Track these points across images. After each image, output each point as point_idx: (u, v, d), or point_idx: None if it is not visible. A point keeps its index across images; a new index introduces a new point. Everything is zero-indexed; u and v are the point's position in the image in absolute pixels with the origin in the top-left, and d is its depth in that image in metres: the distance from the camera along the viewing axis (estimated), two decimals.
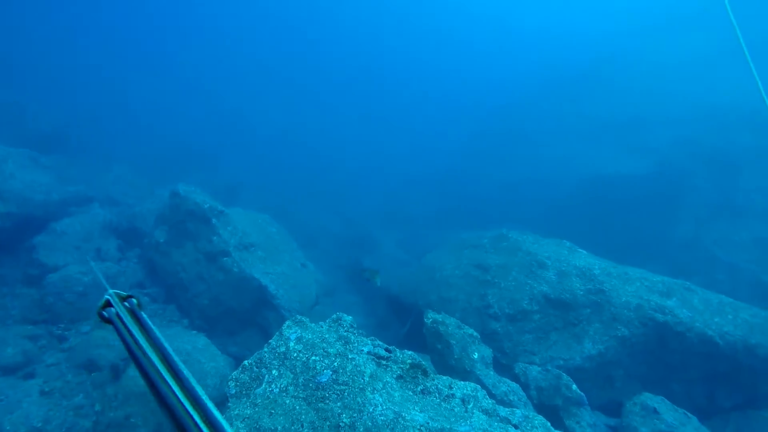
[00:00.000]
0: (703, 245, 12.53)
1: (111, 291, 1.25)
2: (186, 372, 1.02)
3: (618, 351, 7.30)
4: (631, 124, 17.27)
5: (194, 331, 8.59)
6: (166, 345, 1.09)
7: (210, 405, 0.90)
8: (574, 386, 6.38)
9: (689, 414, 6.25)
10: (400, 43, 58.07)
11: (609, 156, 16.41)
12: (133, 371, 6.58)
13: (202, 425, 0.84)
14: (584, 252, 9.04)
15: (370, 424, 3.19)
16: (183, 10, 54.89)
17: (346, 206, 19.28)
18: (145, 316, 1.20)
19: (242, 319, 9.11)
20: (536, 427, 3.49)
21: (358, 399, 3.40)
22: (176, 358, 1.06)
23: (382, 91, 48.81)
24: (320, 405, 3.37)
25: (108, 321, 1.17)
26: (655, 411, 6.02)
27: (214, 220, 9.78)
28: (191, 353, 7.14)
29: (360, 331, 4.38)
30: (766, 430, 6.89)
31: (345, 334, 4.13)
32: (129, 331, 1.10)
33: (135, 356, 1.06)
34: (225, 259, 9.30)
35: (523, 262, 8.64)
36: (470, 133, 25.01)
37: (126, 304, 1.21)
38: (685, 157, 14.58)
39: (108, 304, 1.19)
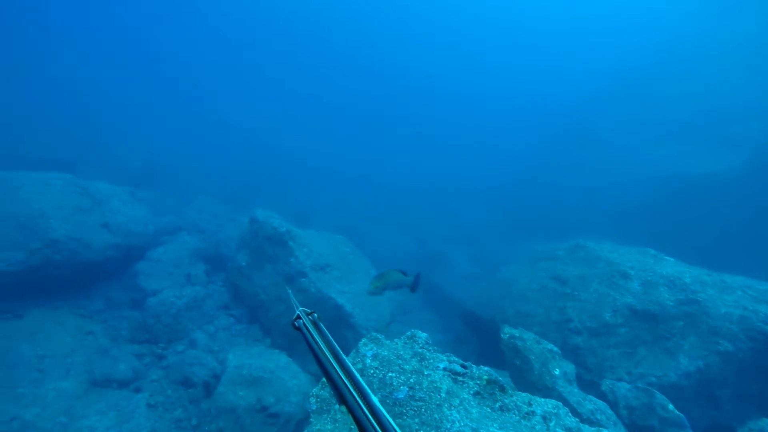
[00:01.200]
0: None
1: (300, 309, 1.63)
2: (352, 368, 1.28)
3: (721, 368, 6.66)
4: (717, 117, 15.88)
5: (276, 350, 9.02)
6: (337, 348, 1.40)
7: (369, 393, 1.17)
8: (671, 406, 5.90)
9: None
10: (458, 48, 57.80)
11: (693, 154, 15.16)
12: (223, 388, 7.05)
13: (364, 407, 1.10)
14: (671, 260, 8.41)
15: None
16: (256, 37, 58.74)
17: (415, 224, 19.38)
18: (323, 326, 1.54)
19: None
20: None
21: (435, 415, 3.42)
22: (344, 357, 1.34)
23: (443, 101, 48.75)
24: (398, 421, 3.44)
25: (298, 329, 1.56)
26: None
27: (290, 243, 10.27)
28: (274, 371, 7.50)
29: (435, 348, 4.41)
30: None
31: (420, 350, 4.18)
32: (312, 336, 1.45)
33: (316, 354, 1.38)
34: (302, 279, 9.72)
35: (603, 273, 8.20)
36: (537, 138, 24.23)
37: (310, 317, 1.58)
38: None
39: (298, 317, 1.59)
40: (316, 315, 1.60)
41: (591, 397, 5.83)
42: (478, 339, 9.42)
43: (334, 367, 1.28)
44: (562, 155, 20.34)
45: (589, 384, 6.85)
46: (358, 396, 1.15)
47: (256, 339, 9.92)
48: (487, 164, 27.88)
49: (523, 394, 3.92)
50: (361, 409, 1.10)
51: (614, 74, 23.05)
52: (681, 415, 5.88)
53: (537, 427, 3.52)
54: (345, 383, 1.21)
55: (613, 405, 6.06)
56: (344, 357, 1.33)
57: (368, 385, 3.58)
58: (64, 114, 27.73)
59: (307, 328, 1.50)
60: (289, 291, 1.99)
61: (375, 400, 1.14)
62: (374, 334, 4.36)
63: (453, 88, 51.98)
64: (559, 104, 25.37)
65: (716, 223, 12.86)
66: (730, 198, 13.12)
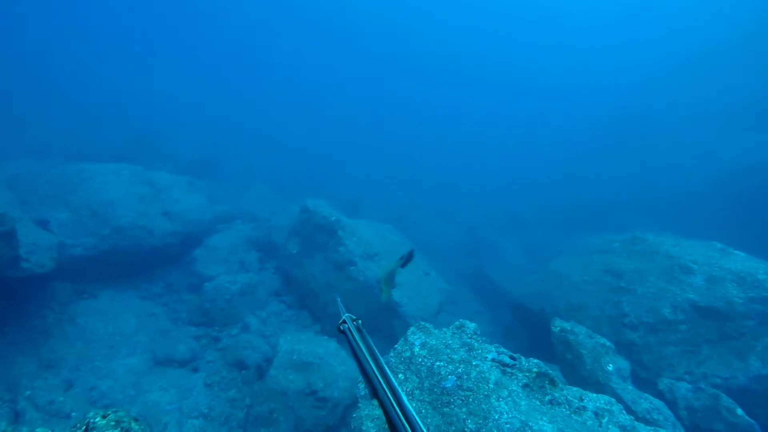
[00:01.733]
0: None
1: (346, 315, 1.78)
2: (387, 369, 1.40)
3: None
4: None
5: (325, 337, 9.24)
6: (375, 349, 1.54)
7: (401, 392, 1.27)
8: (740, 410, 5.55)
9: None
10: (504, 30, 55.72)
11: (763, 143, 13.97)
12: (274, 371, 7.32)
13: (394, 403, 1.22)
14: (741, 254, 7.85)
15: (495, 431, 3.18)
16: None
17: (465, 215, 19.17)
18: (365, 331, 1.71)
19: (369, 326, 9.37)
20: None
21: (483, 406, 3.40)
22: (381, 358, 1.47)
23: (494, 87, 47.48)
24: (445, 410, 3.45)
25: (342, 332, 1.73)
26: None
27: (340, 232, 10.45)
28: (323, 357, 7.70)
29: (484, 338, 4.37)
30: None
31: (468, 340, 4.16)
32: (354, 338, 1.60)
33: (356, 354, 1.53)
34: (351, 268, 9.88)
35: (662, 267, 7.78)
36: (594, 123, 23.11)
37: (354, 323, 1.75)
38: None
39: (343, 321, 1.75)
40: (360, 321, 1.76)
41: (647, 395, 5.59)
42: (528, 331, 9.23)
43: (371, 366, 1.40)
44: (621, 142, 19.35)
45: (645, 382, 6.57)
46: (390, 394, 1.26)
47: (306, 325, 10.22)
48: (541, 153, 27.03)
49: (575, 389, 3.83)
50: (392, 404, 1.22)
51: (682, 56, 21.56)
52: (752, 421, 5.51)
53: (588, 423, 3.43)
54: (380, 381, 1.33)
55: (672, 405, 5.78)
56: (381, 358, 1.47)
57: (416, 374, 3.66)
58: (128, 108, 29.48)
59: (350, 331, 1.66)
60: (338, 299, 2.16)
61: (405, 398, 1.25)
62: (423, 323, 4.38)
63: (503, 74, 50.56)
64: (619, 87, 24.03)
65: None
66: None
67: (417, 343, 4.03)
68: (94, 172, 11.05)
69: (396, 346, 4.22)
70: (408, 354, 3.97)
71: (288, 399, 7.03)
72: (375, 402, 3.78)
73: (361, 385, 3.86)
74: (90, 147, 18.38)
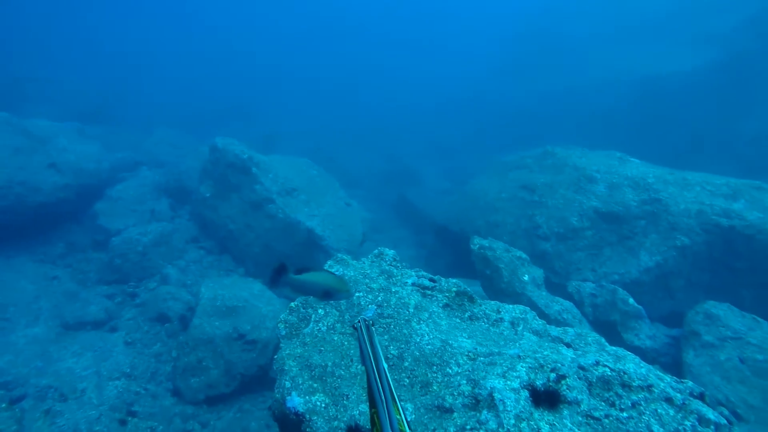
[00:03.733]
0: None
1: (361, 317, 2.18)
2: (383, 363, 1.78)
3: (678, 261, 6.97)
4: (693, 13, 15.35)
5: (250, 279, 9.00)
6: (377, 344, 1.95)
7: (384, 366, 1.75)
8: (631, 300, 6.20)
9: (759, 319, 5.94)
10: None
11: (666, 53, 14.83)
12: (197, 320, 7.05)
13: (376, 372, 1.69)
14: (637, 161, 8.46)
15: (417, 354, 3.22)
16: None
17: (385, 143, 18.97)
18: (372, 329, 2.09)
19: (295, 262, 9.39)
20: (589, 344, 3.41)
21: (404, 330, 3.42)
22: (380, 352, 1.89)
23: (404, 18, 45.84)
24: None
25: (356, 329, 2.14)
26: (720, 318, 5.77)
27: (254, 169, 9.90)
28: (248, 299, 7.50)
29: (404, 264, 4.37)
30: None
31: (388, 268, 4.12)
32: (362, 334, 2.03)
33: (363, 355, 1.89)
34: (270, 206, 9.50)
35: (570, 178, 8.23)
36: (504, 41, 23.16)
37: (366, 321, 2.15)
38: (754, 39, 12.93)
39: (359, 321, 2.15)
40: (370, 321, 2.16)
41: (558, 298, 6.05)
42: (451, 252, 9.58)
43: (369, 358, 1.81)
44: (530, 59, 19.67)
45: (557, 287, 7.11)
46: (375, 365, 1.74)
47: (229, 269, 9.86)
48: (455, 78, 26.95)
49: (492, 303, 3.97)
50: (375, 373, 1.68)
51: None
52: (640, 307, 6.20)
53: (505, 332, 3.59)
54: (371, 359, 1.79)
55: (579, 304, 6.33)
56: (378, 346, 1.93)
57: (336, 308, 3.59)
58: None
59: (361, 329, 2.08)
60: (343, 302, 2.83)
61: (385, 367, 1.74)
62: (340, 255, 4.27)
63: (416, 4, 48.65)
64: (528, 4, 23.98)
65: (683, 122, 12.94)
66: (697, 96, 13.12)
67: None
68: None
69: None
70: None
71: (216, 346, 6.85)
72: (298, 341, 3.70)
73: (281, 326, 3.74)
74: None
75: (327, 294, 2.65)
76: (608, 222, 7.48)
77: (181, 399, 6.57)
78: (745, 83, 12.70)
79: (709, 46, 13.80)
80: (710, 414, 2.76)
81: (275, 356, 3.50)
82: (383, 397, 1.55)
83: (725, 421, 2.80)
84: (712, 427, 2.71)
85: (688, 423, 2.68)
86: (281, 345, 3.64)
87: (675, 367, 5.66)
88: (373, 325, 2.12)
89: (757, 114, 12.14)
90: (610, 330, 6.05)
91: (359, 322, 2.11)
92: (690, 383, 3.02)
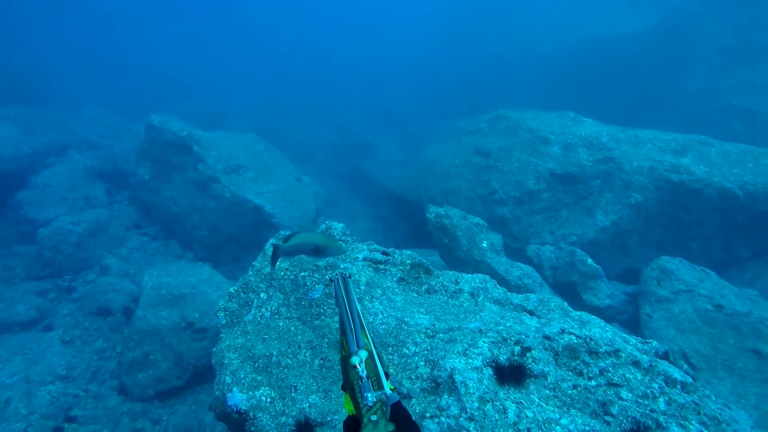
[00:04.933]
0: (719, 95, 11.67)
1: (337, 272, 2.31)
2: (356, 303, 2.02)
3: (632, 219, 7.01)
4: None
5: (199, 263, 8.46)
6: (352, 290, 2.13)
7: (358, 309, 1.98)
8: (590, 260, 6.17)
9: (707, 270, 6.07)
10: None
11: (610, 15, 14.88)
12: (141, 312, 6.53)
13: (351, 315, 1.92)
14: (590, 120, 8.41)
15: (371, 335, 2.94)
16: None
17: (335, 116, 18.30)
18: (350, 282, 2.21)
19: (245, 243, 8.92)
20: (553, 310, 3.23)
21: None
22: (353, 293, 2.11)
23: None
24: (316, 322, 3.12)
25: (332, 280, 2.27)
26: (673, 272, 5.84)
27: (195, 148, 9.22)
28: (196, 285, 7.03)
29: (354, 238, 4.05)
30: None
31: None
32: (339, 286, 2.16)
33: (338, 299, 2.11)
34: (215, 185, 8.90)
35: (525, 141, 8.07)
36: (448, 7, 22.62)
37: (343, 274, 2.26)
38: (695, 1, 13.14)
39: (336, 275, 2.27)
40: (348, 274, 2.43)
41: (518, 263, 5.93)
42: (408, 223, 9.35)
43: (346, 309, 1.95)
44: (479, 26, 19.33)
45: (516, 251, 7.01)
46: (348, 305, 1.97)
47: (176, 255, 9.25)
48: (403, 46, 26.28)
49: (450, 273, 3.73)
50: (349, 316, 1.89)
51: None
52: (598, 267, 6.18)
53: (465, 304, 3.36)
54: (347, 308, 1.95)
55: (539, 268, 6.25)
56: (353, 293, 2.09)
57: (280, 289, 3.32)
58: None
59: (338, 281, 2.21)
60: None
61: (358, 307, 1.98)
62: (283, 232, 3.88)
63: None
64: None
65: (631, 82, 13.08)
66: (643, 56, 13.25)
67: None
68: None
69: (254, 263, 3.71)
70: (269, 269, 3.49)
71: (163, 337, 6.39)
72: (239, 330, 3.34)
73: (221, 314, 3.36)
74: None
75: (318, 250, 2.66)
76: (564, 183, 7.41)
77: (128, 397, 6.11)
78: (687, 43, 12.93)
79: (653, 8, 13.93)
80: (676, 374, 2.64)
81: (213, 348, 3.13)
82: (353, 327, 1.81)
83: (690, 379, 2.70)
84: (678, 386, 2.59)
85: (655, 385, 2.54)
86: (221, 335, 3.28)
87: (633, 323, 5.70)
88: (350, 277, 2.35)
89: (699, 72, 12.41)
90: (570, 291, 6.02)
91: (337, 275, 2.26)
92: (654, 343, 2.90)
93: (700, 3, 13.16)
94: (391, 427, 1.44)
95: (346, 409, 1.59)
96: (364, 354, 1.65)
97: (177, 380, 6.24)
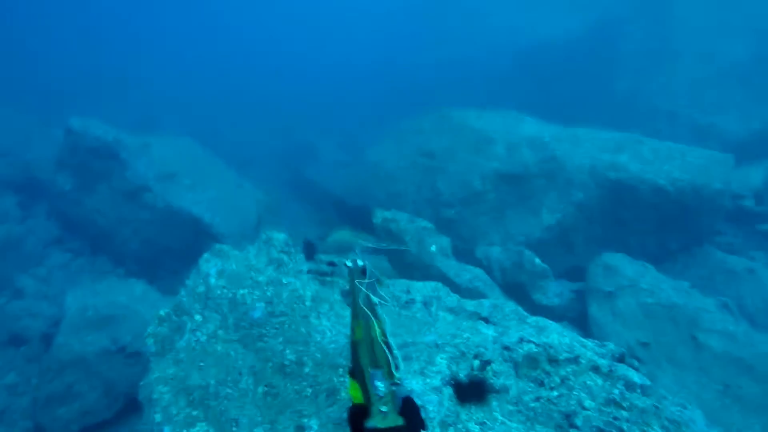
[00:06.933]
0: (644, 96, 12.34)
1: (350, 258, 2.40)
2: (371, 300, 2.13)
3: (576, 216, 7.16)
4: None
5: (132, 279, 7.77)
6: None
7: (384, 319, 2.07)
8: (537, 260, 6.21)
9: (646, 264, 6.29)
10: None
11: (547, 20, 15.43)
12: (63, 338, 5.86)
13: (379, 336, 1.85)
14: (531, 119, 8.55)
15: (319, 356, 2.69)
16: None
17: (277, 121, 17.71)
18: (368, 270, 2.30)
19: (184, 255, 8.27)
20: (508, 316, 3.13)
21: (302, 329, 2.86)
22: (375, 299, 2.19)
23: None
24: (259, 344, 2.83)
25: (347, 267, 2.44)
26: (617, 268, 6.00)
27: (123, 154, 8.50)
28: (128, 305, 6.44)
29: (298, 248, 3.76)
30: (707, 260, 7.17)
31: (278, 255, 3.49)
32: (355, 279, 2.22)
33: (351, 285, 2.18)
34: (146, 194, 8.23)
35: (469, 141, 8.07)
36: (391, 12, 22.70)
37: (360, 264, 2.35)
38: (622, 5, 13.90)
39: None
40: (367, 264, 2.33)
41: (468, 266, 5.86)
42: (355, 228, 9.10)
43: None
44: (422, 31, 19.47)
45: (465, 253, 6.95)
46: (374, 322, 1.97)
47: (105, 271, 8.47)
48: (348, 50, 26.04)
49: (401, 282, 3.55)
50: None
51: None
52: (545, 266, 6.24)
53: (418, 315, 3.19)
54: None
55: (488, 270, 6.21)
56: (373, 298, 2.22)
57: (217, 310, 2.96)
58: None
59: (353, 269, 2.31)
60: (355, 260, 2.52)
61: (375, 299, 2.16)
62: (218, 246, 3.54)
63: None
64: None
65: (566, 84, 13.58)
66: (576, 59, 13.79)
67: (212, 272, 3.22)
68: None
69: (187, 281, 3.35)
70: (203, 288, 3.15)
71: (89, 365, 5.78)
72: (171, 358, 2.96)
73: (150, 340, 2.98)
74: None
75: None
76: (509, 183, 7.46)
77: None
78: (616, 46, 13.61)
79: (588, 12, 14.57)
80: (635, 377, 2.59)
81: (141, 383, 2.75)
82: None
83: (649, 381, 2.66)
84: (638, 390, 2.53)
85: (616, 390, 2.47)
86: (150, 365, 2.90)
87: (581, 320, 5.78)
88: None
89: (627, 74, 13.10)
90: (519, 292, 6.02)
91: (353, 261, 2.34)
92: (611, 345, 2.85)
93: (629, 7, 13.90)
94: (401, 421, 1.36)
95: (350, 395, 1.49)
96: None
97: (107, 411, 5.66)
